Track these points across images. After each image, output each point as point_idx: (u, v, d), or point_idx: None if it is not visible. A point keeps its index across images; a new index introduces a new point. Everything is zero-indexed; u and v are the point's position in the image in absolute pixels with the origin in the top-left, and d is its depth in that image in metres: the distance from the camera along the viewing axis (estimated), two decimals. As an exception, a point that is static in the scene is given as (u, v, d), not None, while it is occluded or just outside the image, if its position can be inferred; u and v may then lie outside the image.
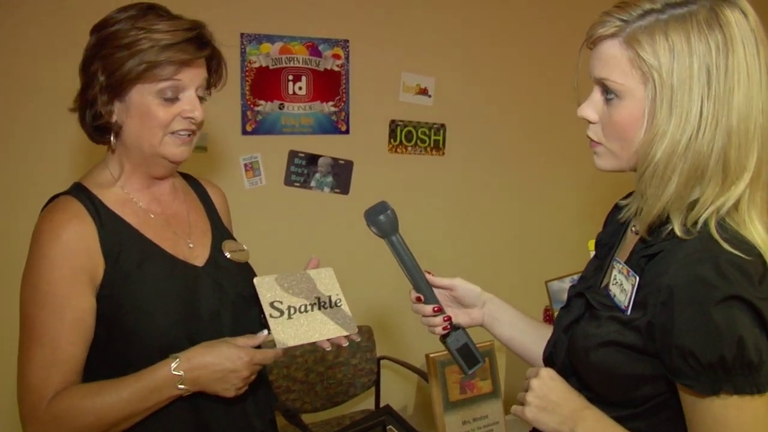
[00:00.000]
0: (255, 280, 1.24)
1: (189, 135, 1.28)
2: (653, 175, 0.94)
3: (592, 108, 1.01)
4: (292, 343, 1.21)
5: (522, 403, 1.06)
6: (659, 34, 0.91)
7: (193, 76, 1.24)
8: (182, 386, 1.16)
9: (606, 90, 0.98)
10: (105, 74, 1.21)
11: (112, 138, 1.27)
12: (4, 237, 2.44)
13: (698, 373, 0.89)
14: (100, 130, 1.27)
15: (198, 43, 1.24)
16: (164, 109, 1.23)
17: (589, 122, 1.03)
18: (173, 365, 1.16)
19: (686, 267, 0.90)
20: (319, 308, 1.28)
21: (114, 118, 1.24)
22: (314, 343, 1.26)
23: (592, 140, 1.04)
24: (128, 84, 1.20)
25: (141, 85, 1.21)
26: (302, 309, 1.26)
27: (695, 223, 0.94)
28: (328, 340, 1.28)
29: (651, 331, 0.93)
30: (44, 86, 2.46)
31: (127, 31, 1.20)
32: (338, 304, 1.31)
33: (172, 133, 1.25)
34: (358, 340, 1.34)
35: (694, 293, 0.88)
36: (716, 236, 0.90)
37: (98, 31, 1.24)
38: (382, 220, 1.21)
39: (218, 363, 1.17)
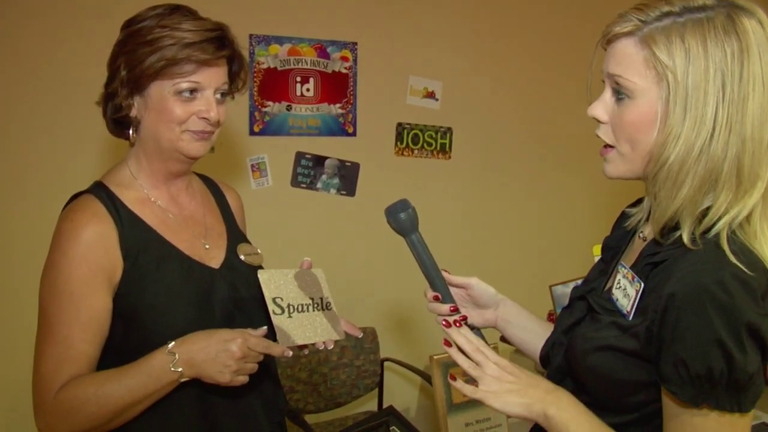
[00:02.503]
0: (259, 273, 1.24)
1: (206, 133, 1.29)
2: (667, 177, 0.94)
3: (602, 107, 1.01)
4: (293, 342, 1.22)
5: (467, 381, 1.03)
6: (676, 36, 0.91)
7: (212, 77, 1.26)
8: (177, 369, 1.15)
9: (618, 89, 0.97)
10: (126, 69, 1.24)
11: (131, 132, 1.30)
12: (20, 236, 2.47)
13: (685, 382, 0.89)
14: (120, 123, 1.30)
15: (218, 43, 1.26)
16: (181, 107, 1.24)
17: (599, 122, 1.02)
18: (168, 347, 1.16)
19: (689, 276, 0.89)
20: (314, 309, 1.29)
21: (133, 113, 1.27)
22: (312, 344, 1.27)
23: (603, 146, 1.03)
24: (147, 79, 1.23)
25: (160, 81, 1.23)
26: (300, 309, 1.26)
27: (707, 231, 0.93)
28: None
29: (649, 336, 0.93)
30: (67, 83, 2.48)
31: (151, 29, 1.22)
32: (329, 307, 1.32)
33: (189, 130, 1.27)
34: (360, 335, 1.37)
35: (694, 303, 0.87)
36: (725, 247, 0.90)
37: (126, 28, 1.27)
38: (402, 218, 1.20)
39: (211, 343, 1.16)
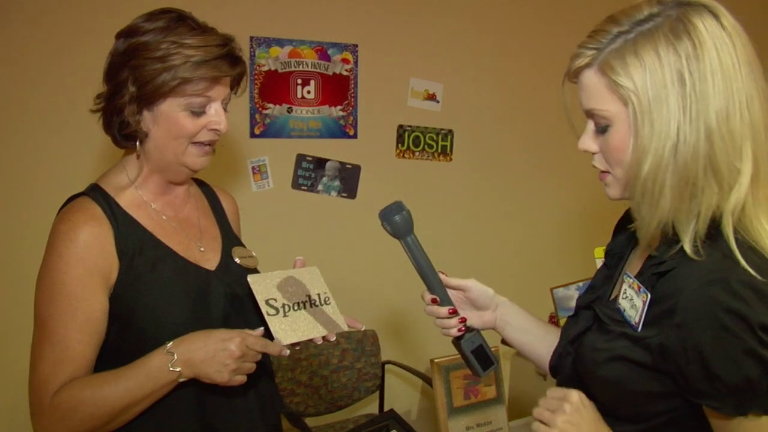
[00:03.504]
0: (249, 278, 1.24)
1: (211, 145, 1.30)
2: (644, 192, 0.93)
3: (590, 139, 1.01)
4: (290, 340, 1.21)
5: (542, 422, 1.01)
6: (629, 54, 0.91)
7: (222, 91, 1.27)
8: (176, 368, 1.15)
9: (596, 121, 0.98)
10: (136, 85, 1.22)
11: (138, 144, 1.28)
12: (20, 236, 2.46)
13: (724, 394, 0.88)
14: (125, 136, 1.29)
15: (230, 59, 1.25)
16: (192, 121, 1.25)
17: (592, 153, 1.02)
18: (167, 346, 1.16)
19: (700, 289, 0.88)
20: (311, 306, 1.29)
21: (140, 126, 1.26)
22: (311, 339, 1.26)
23: (600, 171, 1.03)
24: (160, 96, 1.22)
25: (172, 99, 1.23)
26: (295, 307, 1.27)
27: (710, 234, 0.92)
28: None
29: (663, 352, 0.92)
30: (61, 85, 2.48)
31: (158, 44, 1.20)
32: (327, 302, 1.32)
33: (195, 143, 1.27)
34: (362, 328, 1.35)
35: (711, 319, 0.86)
36: (734, 249, 0.89)
37: (126, 38, 1.24)
38: (397, 221, 1.19)
39: (209, 342, 1.16)
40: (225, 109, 1.30)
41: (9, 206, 2.48)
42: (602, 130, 0.98)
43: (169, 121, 1.24)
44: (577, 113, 1.05)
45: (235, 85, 1.35)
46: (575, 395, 1.01)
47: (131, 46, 1.22)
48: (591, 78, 0.96)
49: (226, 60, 1.24)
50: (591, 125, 1.01)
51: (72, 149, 2.52)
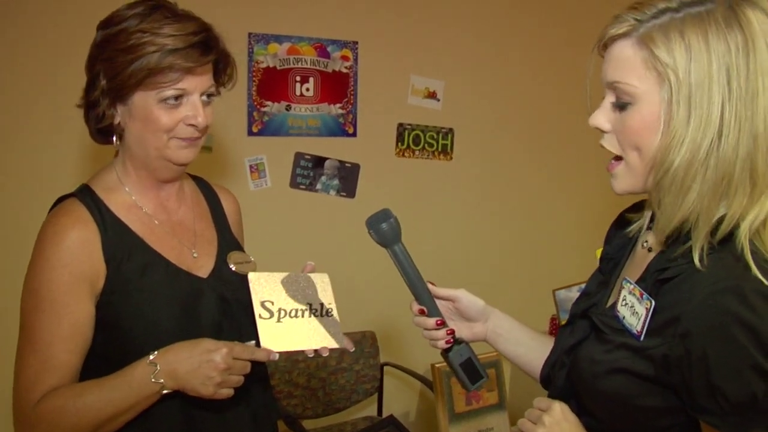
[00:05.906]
0: (249, 275, 1.19)
1: (194, 139, 1.25)
2: (672, 183, 0.88)
3: (603, 116, 0.95)
4: (276, 348, 1.15)
5: None
6: (675, 32, 0.86)
7: (198, 83, 1.21)
8: (159, 380, 1.10)
9: (619, 95, 0.92)
10: (106, 78, 1.18)
11: (115, 140, 1.25)
12: (11, 236, 2.42)
13: (726, 411, 0.84)
14: (103, 131, 1.25)
15: (203, 48, 1.20)
16: (167, 115, 1.19)
17: (602, 131, 0.97)
18: (150, 357, 1.12)
19: (710, 297, 0.84)
20: (310, 315, 1.22)
21: (117, 120, 1.22)
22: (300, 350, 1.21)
23: (611, 161, 0.98)
24: (129, 89, 1.18)
25: (143, 91, 1.18)
26: (293, 313, 1.20)
27: (724, 241, 0.87)
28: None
29: (667, 363, 0.88)
30: (52, 84, 2.44)
31: (131, 33, 1.16)
32: (330, 314, 1.25)
33: (176, 137, 1.22)
34: (352, 350, 1.28)
35: (721, 330, 0.82)
36: (749, 259, 0.84)
37: (104, 29, 1.21)
38: (384, 229, 1.17)
39: (194, 354, 1.11)
40: (208, 101, 1.25)
41: (9, 206, 2.44)
42: (621, 107, 0.92)
43: (144, 114, 1.19)
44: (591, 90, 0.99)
45: (220, 75, 1.29)
46: (557, 408, 0.99)
47: (105, 37, 1.19)
48: (626, 49, 0.90)
49: (198, 48, 1.18)
50: (608, 101, 0.95)
51: (61, 150, 2.47)
